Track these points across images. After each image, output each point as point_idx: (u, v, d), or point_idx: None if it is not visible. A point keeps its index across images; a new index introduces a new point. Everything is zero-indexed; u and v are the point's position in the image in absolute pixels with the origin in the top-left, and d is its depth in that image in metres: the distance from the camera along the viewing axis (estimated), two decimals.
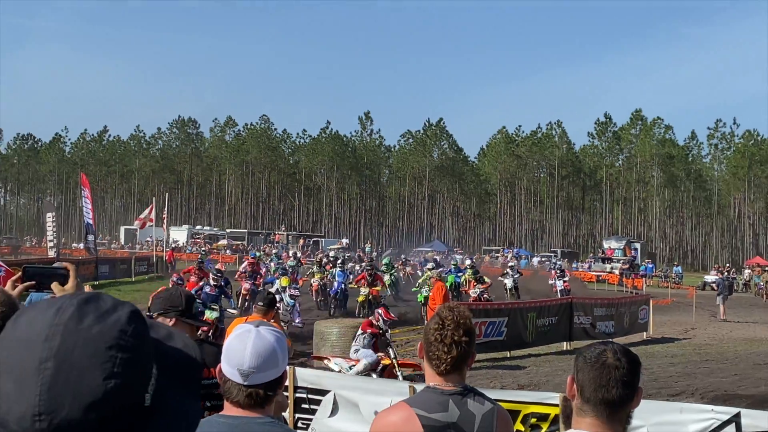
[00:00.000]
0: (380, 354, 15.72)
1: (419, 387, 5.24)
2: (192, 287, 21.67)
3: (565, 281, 38.25)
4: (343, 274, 31.41)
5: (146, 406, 1.23)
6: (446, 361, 3.45)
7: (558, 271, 40.16)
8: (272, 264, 37.28)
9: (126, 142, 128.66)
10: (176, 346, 1.39)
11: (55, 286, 3.43)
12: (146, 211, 49.78)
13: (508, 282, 36.19)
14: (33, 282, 3.57)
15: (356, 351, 15.74)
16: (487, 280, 29.72)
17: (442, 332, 3.44)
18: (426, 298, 27.11)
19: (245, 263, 31.71)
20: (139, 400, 1.22)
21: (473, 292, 28.30)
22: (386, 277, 33.96)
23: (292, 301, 21.26)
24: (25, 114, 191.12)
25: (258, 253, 38.17)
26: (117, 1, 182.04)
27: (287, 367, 3.01)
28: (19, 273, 3.66)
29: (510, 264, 43.03)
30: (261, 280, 28.13)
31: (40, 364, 1.15)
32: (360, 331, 16.18)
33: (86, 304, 1.23)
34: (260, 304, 10.89)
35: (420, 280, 31.09)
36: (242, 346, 2.81)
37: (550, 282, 39.69)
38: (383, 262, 37.95)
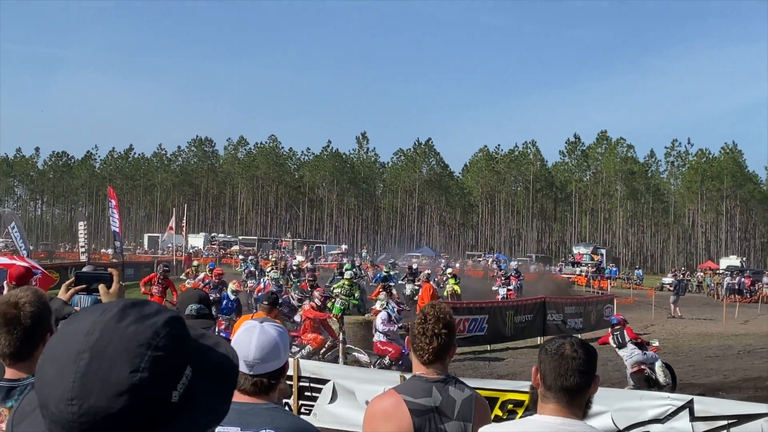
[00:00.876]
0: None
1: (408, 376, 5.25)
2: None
3: (509, 290, 32.32)
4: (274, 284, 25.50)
5: (173, 402, 1.22)
6: (428, 351, 3.47)
7: (503, 279, 33.88)
8: (244, 272, 32.69)
9: (149, 159, 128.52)
10: (219, 353, 1.39)
11: (101, 287, 3.53)
12: (171, 221, 49.68)
13: (408, 287, 30.32)
14: (84, 285, 3.67)
15: None
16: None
17: (425, 326, 3.47)
18: (340, 310, 22.22)
19: (202, 275, 26.50)
20: (166, 395, 1.22)
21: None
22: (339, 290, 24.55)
23: (400, 316, 16.61)
24: (59, 134, 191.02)
25: (241, 265, 30.55)
26: (141, 32, 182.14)
27: (290, 359, 3.02)
28: (73, 278, 3.73)
29: (410, 265, 33.77)
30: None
31: (78, 354, 1.17)
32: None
33: (130, 308, 1.25)
34: (265, 302, 10.96)
35: (336, 288, 24.29)
36: (248, 340, 2.84)
37: (494, 288, 33.45)
38: (338, 283, 25.47)
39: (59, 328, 1.30)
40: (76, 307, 3.86)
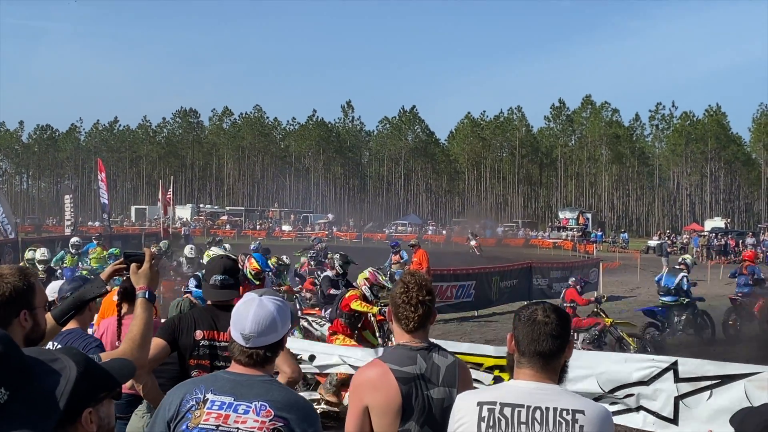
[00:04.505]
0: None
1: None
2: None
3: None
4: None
5: None
6: (414, 319, 3.50)
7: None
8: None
9: (134, 131, 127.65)
10: (53, 382, 1.32)
11: (132, 266, 3.71)
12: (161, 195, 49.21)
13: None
14: (123, 265, 3.83)
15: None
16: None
17: (408, 294, 3.50)
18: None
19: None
20: None
21: None
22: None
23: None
24: (44, 107, 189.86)
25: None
26: (123, 3, 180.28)
27: (287, 332, 3.04)
28: (122, 260, 3.88)
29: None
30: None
31: None
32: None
33: None
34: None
35: None
36: (246, 313, 2.88)
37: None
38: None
39: None
40: (108, 287, 3.95)
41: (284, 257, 18.76)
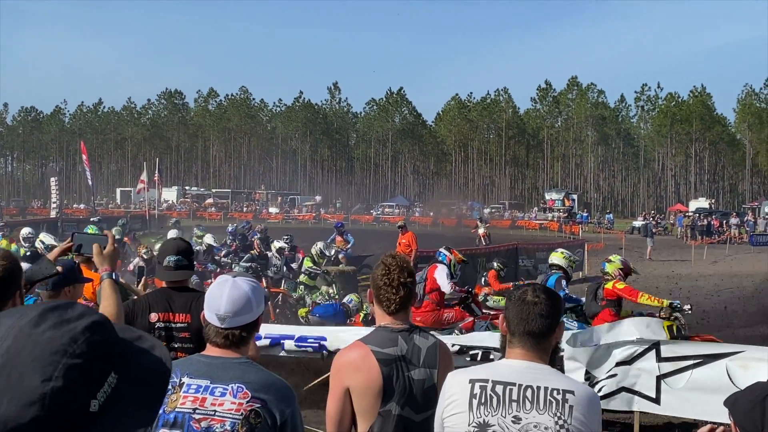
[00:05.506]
0: None
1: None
2: None
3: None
4: None
5: (92, 412, 1.15)
6: (395, 301, 3.51)
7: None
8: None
9: (119, 113, 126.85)
10: (152, 357, 1.31)
11: (96, 247, 3.63)
12: (143, 176, 49.03)
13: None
14: (71, 244, 3.77)
15: None
16: None
17: (389, 276, 3.52)
18: None
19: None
20: (83, 405, 1.15)
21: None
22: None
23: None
24: (28, 88, 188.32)
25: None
26: None
27: (262, 314, 3.03)
28: (70, 240, 3.80)
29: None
30: None
31: None
32: None
33: (50, 312, 1.17)
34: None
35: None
36: (219, 293, 2.87)
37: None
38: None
39: None
40: (59, 267, 3.87)
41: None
